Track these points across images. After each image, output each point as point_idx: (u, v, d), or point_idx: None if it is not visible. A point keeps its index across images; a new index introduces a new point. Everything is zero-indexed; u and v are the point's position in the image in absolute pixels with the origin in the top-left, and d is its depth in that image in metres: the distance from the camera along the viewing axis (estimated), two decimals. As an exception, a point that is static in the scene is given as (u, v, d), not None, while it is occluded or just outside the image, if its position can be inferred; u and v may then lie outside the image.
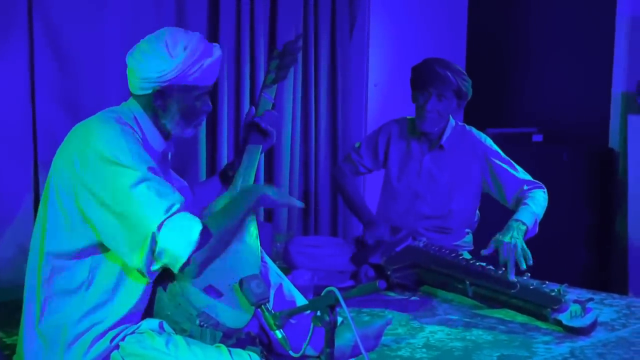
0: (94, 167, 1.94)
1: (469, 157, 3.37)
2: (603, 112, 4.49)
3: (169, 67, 2.02)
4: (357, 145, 3.60)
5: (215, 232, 1.99)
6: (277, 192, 2.31)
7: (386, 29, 4.55)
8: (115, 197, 1.91)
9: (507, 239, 2.96)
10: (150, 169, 1.96)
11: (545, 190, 3.26)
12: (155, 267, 1.94)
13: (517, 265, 2.91)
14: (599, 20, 4.52)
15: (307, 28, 4.16)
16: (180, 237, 1.91)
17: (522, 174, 3.32)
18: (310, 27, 4.17)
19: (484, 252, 3.01)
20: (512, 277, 2.88)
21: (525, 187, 3.26)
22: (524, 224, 3.05)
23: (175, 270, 1.95)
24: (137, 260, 1.93)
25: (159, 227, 1.89)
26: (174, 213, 1.92)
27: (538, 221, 3.15)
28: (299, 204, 2.38)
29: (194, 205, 2.35)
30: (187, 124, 2.14)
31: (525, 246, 2.96)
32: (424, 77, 3.26)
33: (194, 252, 1.93)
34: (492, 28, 5.01)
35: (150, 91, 2.06)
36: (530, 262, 2.91)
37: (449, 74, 3.23)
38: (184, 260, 1.92)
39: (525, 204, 3.16)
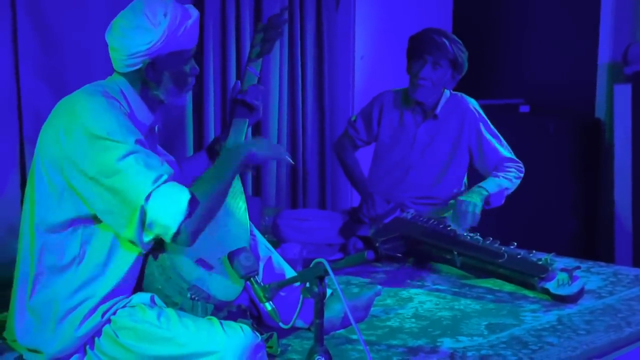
0: (81, 141, 1.92)
1: (461, 125, 3.39)
2: (589, 82, 4.49)
3: (156, 36, 2.00)
4: (353, 118, 3.60)
5: (203, 199, 1.97)
6: (263, 145, 2.22)
7: (372, 1, 4.52)
8: (104, 171, 1.90)
9: (464, 198, 3.12)
10: (137, 141, 1.94)
11: (522, 169, 3.35)
12: (147, 238, 1.93)
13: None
14: (585, -10, 4.51)
15: (293, 0, 4.12)
16: (169, 207, 1.89)
17: (506, 150, 3.37)
18: (296, -1, 4.14)
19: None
20: (460, 232, 3.04)
21: (505, 164, 3.33)
22: (486, 190, 3.19)
23: (168, 240, 1.93)
24: (130, 232, 1.92)
25: (147, 199, 1.88)
26: (162, 184, 1.91)
27: (505, 194, 3.27)
28: (288, 158, 2.30)
29: (181, 181, 2.34)
30: (179, 91, 2.14)
31: (477, 211, 3.09)
32: (421, 44, 3.26)
33: (184, 221, 1.91)
34: (479, -1, 5.00)
35: (140, 65, 2.04)
36: (470, 225, 3.11)
37: (445, 41, 3.23)
38: (174, 230, 1.90)
39: (496, 175, 3.29)
